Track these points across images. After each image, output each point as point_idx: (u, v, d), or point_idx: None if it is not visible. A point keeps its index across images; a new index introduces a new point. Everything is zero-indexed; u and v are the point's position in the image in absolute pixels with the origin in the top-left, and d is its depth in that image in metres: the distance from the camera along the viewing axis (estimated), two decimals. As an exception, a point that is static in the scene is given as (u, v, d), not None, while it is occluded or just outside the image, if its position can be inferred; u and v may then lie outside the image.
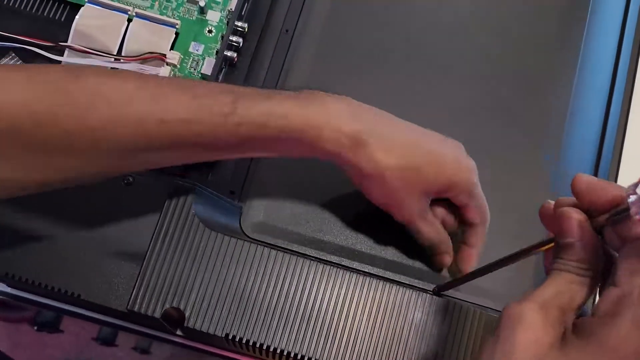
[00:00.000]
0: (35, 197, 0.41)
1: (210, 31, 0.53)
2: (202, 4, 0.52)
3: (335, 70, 0.55)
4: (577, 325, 0.31)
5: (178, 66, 0.52)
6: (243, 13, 0.53)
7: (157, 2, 0.53)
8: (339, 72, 0.55)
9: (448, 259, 0.48)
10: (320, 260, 0.46)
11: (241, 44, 0.52)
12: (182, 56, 0.52)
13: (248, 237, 0.49)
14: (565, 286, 0.32)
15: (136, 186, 0.47)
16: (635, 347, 0.28)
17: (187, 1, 0.53)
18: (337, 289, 0.45)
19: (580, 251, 0.32)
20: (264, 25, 0.55)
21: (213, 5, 0.53)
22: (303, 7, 0.56)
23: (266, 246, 0.45)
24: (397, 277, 0.48)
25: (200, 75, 0.52)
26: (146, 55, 0.51)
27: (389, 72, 0.55)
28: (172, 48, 0.52)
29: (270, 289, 0.44)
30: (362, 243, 0.50)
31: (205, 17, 0.53)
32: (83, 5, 0.52)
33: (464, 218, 0.47)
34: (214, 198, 0.49)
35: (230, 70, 0.53)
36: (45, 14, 0.54)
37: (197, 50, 0.52)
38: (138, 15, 0.53)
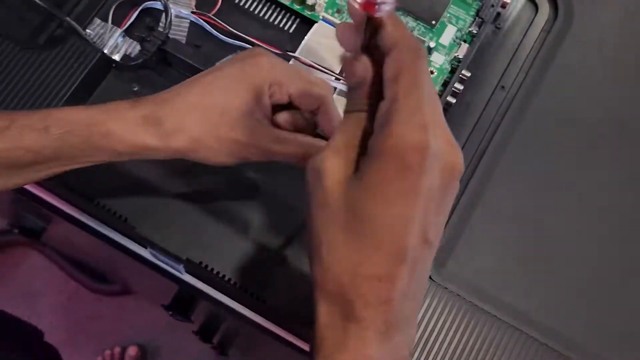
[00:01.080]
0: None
1: (432, 72, 0.54)
2: (431, 45, 0.53)
3: (541, 134, 0.54)
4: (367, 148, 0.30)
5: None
6: (469, 62, 0.53)
7: (386, 34, 0.54)
8: (543, 137, 0.54)
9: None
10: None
11: (461, 91, 0.52)
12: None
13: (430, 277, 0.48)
14: (355, 124, 0.31)
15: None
16: (412, 144, 0.28)
17: (415, 39, 0.54)
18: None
19: (359, 89, 0.31)
20: (481, 77, 0.55)
21: (440, 48, 0.54)
22: (522, 66, 0.55)
23: (450, 293, 0.44)
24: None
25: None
26: (367, 82, 0.52)
27: (592, 150, 0.54)
28: (392, 80, 0.53)
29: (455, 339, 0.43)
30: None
31: (429, 57, 0.54)
32: (316, 22, 0.54)
33: (306, 106, 0.42)
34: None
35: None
36: (277, 23, 0.56)
37: (416, 87, 0.53)
38: (366, 42, 0.54)
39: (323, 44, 0.54)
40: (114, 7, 0.54)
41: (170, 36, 0.52)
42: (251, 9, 0.56)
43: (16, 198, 0.67)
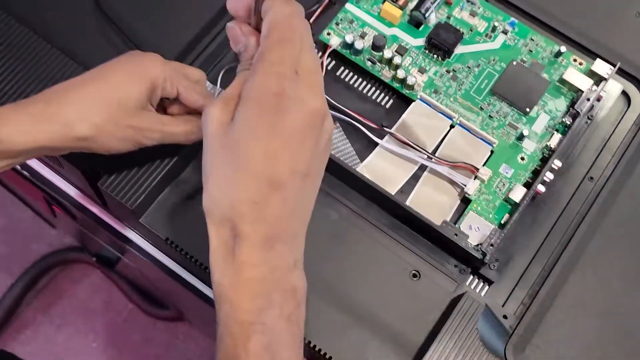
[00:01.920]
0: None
1: (522, 158, 0.55)
2: (525, 132, 0.55)
3: (628, 227, 0.54)
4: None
5: (486, 183, 0.54)
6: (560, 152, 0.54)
7: (480, 117, 0.56)
8: (630, 230, 0.54)
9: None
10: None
11: (550, 180, 0.53)
12: (492, 174, 0.54)
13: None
14: (241, 81, 0.36)
15: (423, 280, 0.50)
16: (271, 90, 0.33)
17: (508, 124, 0.56)
18: None
19: (244, 52, 0.38)
20: (570, 167, 0.56)
21: (532, 135, 0.55)
22: (611, 159, 0.56)
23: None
24: None
25: (505, 198, 0.54)
26: (460, 164, 0.54)
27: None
28: (484, 164, 0.55)
29: None
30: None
31: (521, 144, 0.55)
32: (414, 101, 0.56)
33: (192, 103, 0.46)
34: (488, 311, 0.50)
35: (529, 202, 0.54)
36: (374, 97, 0.58)
37: (506, 173, 0.54)
38: (461, 124, 0.56)
39: (419, 123, 0.56)
40: (222, 71, 0.57)
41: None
42: (351, 82, 0.58)
43: (95, 229, 0.71)
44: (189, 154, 0.52)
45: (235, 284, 0.34)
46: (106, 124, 0.42)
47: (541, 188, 0.53)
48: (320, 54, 0.58)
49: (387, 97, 0.58)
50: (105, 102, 0.42)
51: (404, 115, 0.56)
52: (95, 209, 0.58)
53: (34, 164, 0.61)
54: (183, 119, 0.46)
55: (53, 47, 0.54)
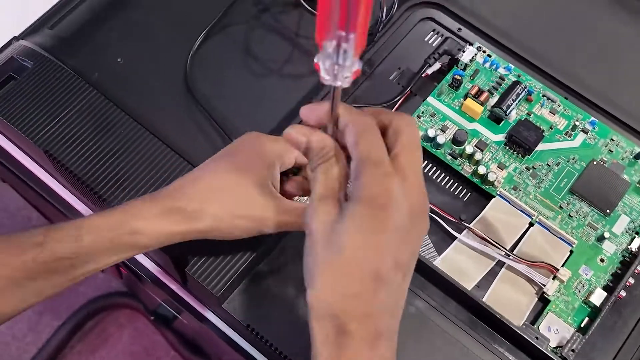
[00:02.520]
0: None
1: (602, 260, 0.55)
2: (606, 235, 0.55)
3: None
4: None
5: (565, 283, 0.54)
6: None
7: (560, 216, 0.56)
8: None
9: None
10: None
11: (632, 284, 0.53)
12: (571, 275, 0.54)
13: None
14: (325, 175, 0.37)
15: None
16: (379, 190, 0.35)
17: (588, 225, 0.56)
18: None
19: (314, 146, 0.38)
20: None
21: (612, 237, 0.55)
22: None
23: None
24: None
25: (584, 300, 0.53)
26: (539, 263, 0.54)
27: None
28: (563, 264, 0.55)
29: None
30: None
31: (601, 245, 0.55)
32: (493, 196, 0.57)
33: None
34: None
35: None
36: (452, 190, 0.59)
37: (586, 274, 0.54)
38: (540, 223, 0.56)
39: (498, 219, 0.56)
40: (305, 158, 0.59)
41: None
42: (430, 174, 0.59)
43: (154, 291, 0.72)
44: (267, 246, 0.53)
45: None
46: (226, 216, 0.44)
47: (622, 293, 0.53)
48: (400, 145, 0.59)
49: (465, 190, 0.59)
50: (225, 194, 0.44)
51: (484, 211, 0.56)
52: (174, 287, 0.60)
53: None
54: (302, 210, 0.46)
55: (143, 127, 0.56)
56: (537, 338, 0.51)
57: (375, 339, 0.35)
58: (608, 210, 0.56)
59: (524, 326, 0.52)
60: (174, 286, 0.60)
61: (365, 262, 0.35)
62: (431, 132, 0.58)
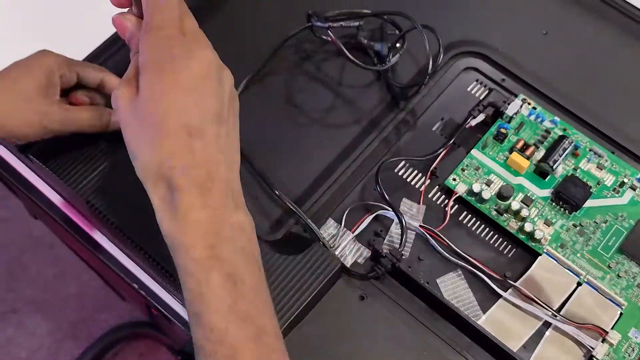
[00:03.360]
0: None
1: (656, 326, 0.53)
2: (658, 299, 0.53)
3: None
4: None
5: (614, 347, 0.52)
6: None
7: (608, 276, 0.55)
8: None
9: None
10: None
11: (684, 351, 0.52)
12: (621, 338, 0.53)
13: None
14: (134, 58, 0.40)
15: None
16: (163, 54, 0.38)
17: (637, 285, 0.55)
18: None
19: (134, 37, 0.41)
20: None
21: (667, 300, 0.54)
22: None
23: None
24: None
25: (635, 365, 0.52)
26: (587, 325, 0.53)
27: None
28: (612, 327, 0.53)
29: None
30: None
31: (652, 308, 0.54)
32: (539, 254, 0.56)
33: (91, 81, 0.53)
34: None
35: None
36: (497, 246, 0.58)
37: (636, 337, 0.53)
38: (588, 282, 0.55)
39: (544, 278, 0.55)
40: (347, 210, 0.58)
41: (394, 244, 0.56)
42: (474, 229, 0.58)
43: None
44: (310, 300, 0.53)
45: (184, 229, 0.37)
46: (11, 112, 0.48)
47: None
48: (445, 198, 0.59)
49: (510, 247, 0.57)
50: (8, 94, 0.48)
51: (531, 270, 0.55)
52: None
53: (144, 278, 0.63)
54: (86, 107, 0.52)
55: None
56: (588, 406, 0.50)
57: (205, 186, 0.37)
58: (659, 271, 0.55)
59: (574, 393, 0.50)
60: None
61: (171, 122, 0.37)
62: (476, 187, 0.57)
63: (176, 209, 0.37)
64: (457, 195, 0.58)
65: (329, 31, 0.59)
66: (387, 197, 0.55)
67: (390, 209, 0.57)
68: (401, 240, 0.55)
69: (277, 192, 0.57)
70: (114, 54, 0.63)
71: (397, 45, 0.63)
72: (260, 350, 0.37)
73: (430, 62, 0.57)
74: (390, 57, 0.62)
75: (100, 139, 0.57)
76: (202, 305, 0.36)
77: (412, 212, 0.58)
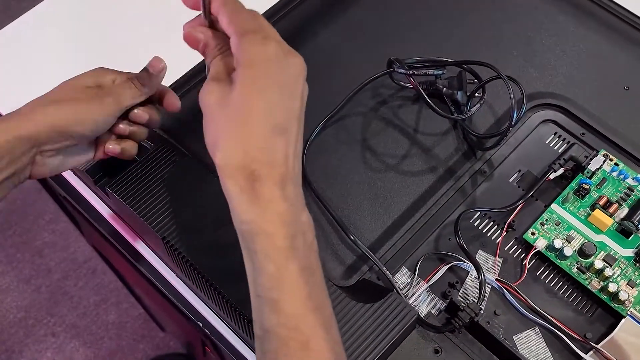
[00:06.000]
0: None
1: None
2: None
3: None
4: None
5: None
6: None
7: (696, 343, 0.53)
8: None
9: None
10: None
11: None
12: None
13: None
14: (219, 62, 0.42)
15: None
16: (256, 54, 0.39)
17: None
18: None
19: (210, 45, 0.43)
20: None
21: None
22: None
23: None
24: None
25: None
26: (674, 394, 0.50)
27: None
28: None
29: None
30: None
31: None
32: (623, 316, 0.54)
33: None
34: None
35: None
36: (576, 304, 0.56)
37: None
38: (674, 349, 0.52)
39: (628, 342, 0.53)
40: (422, 259, 0.57)
41: (469, 297, 0.54)
42: (552, 285, 0.56)
43: None
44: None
45: (266, 217, 0.38)
46: (66, 93, 0.49)
47: None
48: (521, 252, 0.57)
49: (590, 306, 0.56)
50: (66, 89, 0.49)
51: (614, 333, 0.53)
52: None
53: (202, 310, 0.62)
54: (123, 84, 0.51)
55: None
56: None
57: (284, 181, 0.38)
58: None
59: None
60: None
61: (261, 117, 0.38)
62: (557, 244, 0.55)
63: (258, 199, 0.38)
64: (536, 250, 0.56)
65: (411, 78, 0.58)
66: (467, 248, 0.54)
67: (467, 261, 0.56)
68: (479, 294, 0.53)
69: (352, 237, 0.56)
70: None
71: (476, 94, 0.62)
72: (331, 339, 0.39)
73: (515, 113, 0.56)
74: (469, 106, 0.62)
75: (179, 176, 0.57)
76: (281, 292, 0.38)
77: (488, 265, 0.57)
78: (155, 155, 0.59)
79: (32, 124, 0.47)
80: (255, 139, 0.38)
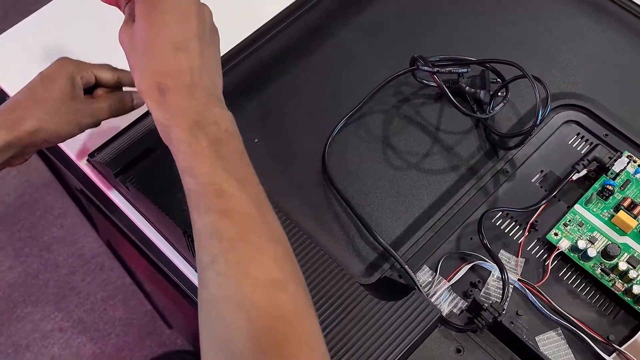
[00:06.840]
0: None
1: None
2: None
3: None
4: None
5: None
6: None
7: None
8: None
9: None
10: None
11: None
12: None
13: None
14: (128, 7, 0.48)
15: None
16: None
17: None
18: None
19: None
20: None
21: None
22: None
23: None
24: None
25: None
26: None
27: None
28: None
29: None
30: None
31: None
32: (646, 319, 0.53)
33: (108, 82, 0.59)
34: None
35: None
36: (599, 306, 0.55)
37: None
38: (698, 354, 0.52)
39: (652, 347, 0.52)
40: (443, 258, 0.56)
41: (491, 296, 0.54)
42: (574, 287, 0.56)
43: None
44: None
45: (178, 113, 0.43)
46: (49, 117, 0.54)
47: None
48: (544, 253, 0.57)
49: (613, 308, 0.55)
50: (42, 102, 0.55)
51: (637, 335, 0.53)
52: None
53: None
54: (105, 96, 0.58)
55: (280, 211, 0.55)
56: None
57: (191, 88, 0.43)
58: None
59: None
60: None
61: (161, 39, 0.44)
62: (581, 244, 0.55)
63: (168, 104, 0.43)
64: (559, 250, 0.56)
65: (435, 76, 0.58)
66: (490, 248, 0.54)
67: (489, 260, 0.55)
68: (502, 293, 0.53)
69: (374, 234, 0.56)
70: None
71: (500, 93, 0.62)
72: (247, 190, 0.43)
73: (540, 113, 0.56)
74: (492, 106, 0.61)
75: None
76: (194, 159, 0.42)
77: (510, 265, 0.56)
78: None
79: (15, 135, 0.53)
80: (158, 59, 0.44)
